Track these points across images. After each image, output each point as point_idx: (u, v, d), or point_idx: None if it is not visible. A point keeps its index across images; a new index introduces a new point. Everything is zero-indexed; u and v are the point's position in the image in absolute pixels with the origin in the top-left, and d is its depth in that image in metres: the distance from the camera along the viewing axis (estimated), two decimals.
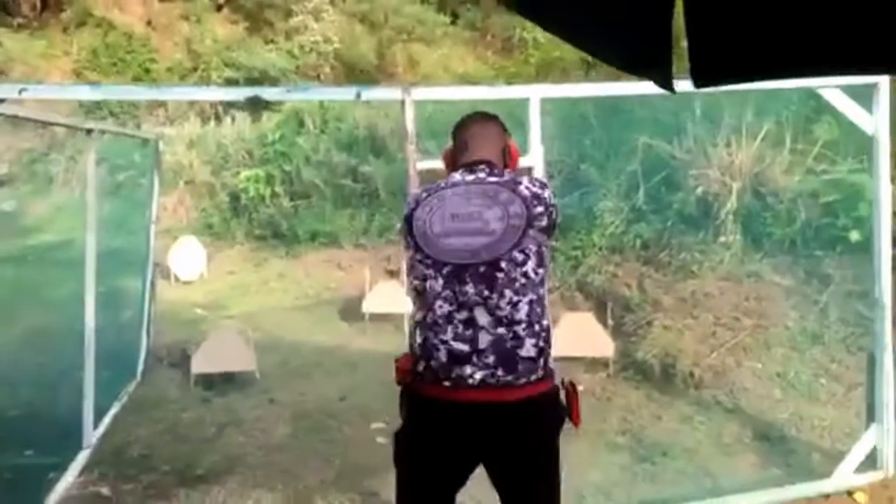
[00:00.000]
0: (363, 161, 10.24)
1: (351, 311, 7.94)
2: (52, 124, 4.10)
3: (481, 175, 2.36)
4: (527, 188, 2.29)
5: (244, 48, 26.03)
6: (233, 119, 14.33)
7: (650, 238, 6.89)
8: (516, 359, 2.17)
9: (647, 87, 1.51)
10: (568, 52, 11.74)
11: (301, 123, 11.56)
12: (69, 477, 4.18)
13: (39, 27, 22.87)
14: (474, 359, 2.16)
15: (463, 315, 2.19)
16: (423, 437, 2.29)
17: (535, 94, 3.32)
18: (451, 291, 2.21)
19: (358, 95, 3.10)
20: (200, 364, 5.84)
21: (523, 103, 3.40)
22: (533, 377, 2.19)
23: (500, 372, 2.16)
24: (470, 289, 2.19)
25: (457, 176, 2.39)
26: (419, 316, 2.29)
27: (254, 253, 10.84)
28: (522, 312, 2.19)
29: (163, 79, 24.05)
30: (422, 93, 3.21)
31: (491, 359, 2.16)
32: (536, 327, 2.21)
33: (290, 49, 25.39)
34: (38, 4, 22.00)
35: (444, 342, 2.19)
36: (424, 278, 2.26)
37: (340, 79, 22.92)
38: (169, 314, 7.54)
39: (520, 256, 2.21)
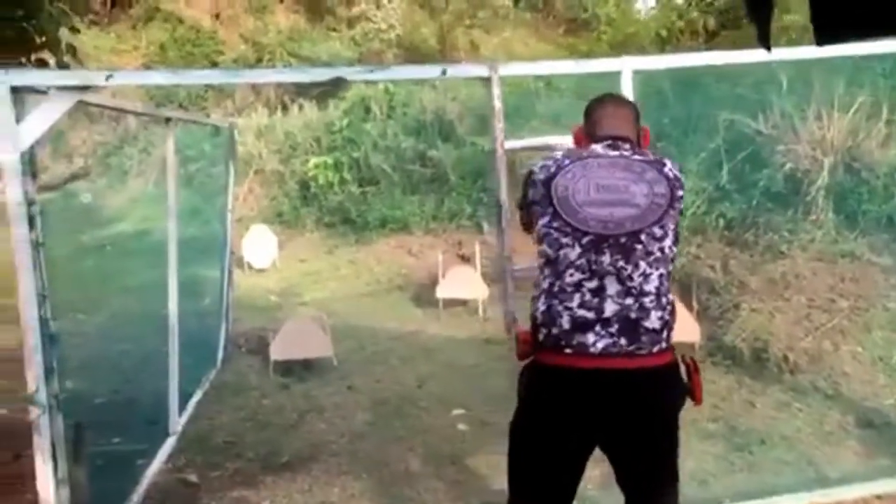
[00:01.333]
0: (431, 145, 10.15)
1: (423, 297, 7.88)
2: (135, 113, 4.11)
3: (625, 152, 2.38)
4: (670, 170, 2.35)
5: (307, 38, 26.23)
6: (300, 108, 14.41)
7: (734, 218, 6.61)
8: (640, 329, 2.17)
9: (741, 56, 1.36)
10: (643, 28, 11.43)
11: (367, 110, 11.53)
12: (157, 463, 4.20)
13: (109, 23, 23.37)
14: (598, 327, 2.17)
15: (593, 284, 2.20)
16: (543, 409, 2.26)
17: (627, 66, 3.15)
18: (585, 260, 2.21)
19: (443, 73, 3.00)
20: (279, 351, 5.84)
21: (607, 78, 3.24)
22: (655, 349, 2.19)
23: (622, 341, 2.16)
24: (606, 258, 2.20)
25: (598, 148, 2.40)
26: (546, 284, 2.28)
27: (324, 240, 10.87)
28: (652, 285, 2.21)
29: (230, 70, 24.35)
30: (509, 69, 3.08)
31: (615, 328, 2.16)
32: (663, 300, 2.22)
33: (353, 37, 25.46)
34: (109, 1, 22.47)
35: (569, 309, 2.20)
36: (560, 246, 2.26)
37: (402, 64, 22.86)
38: (244, 302, 7.58)
39: (659, 232, 2.24)
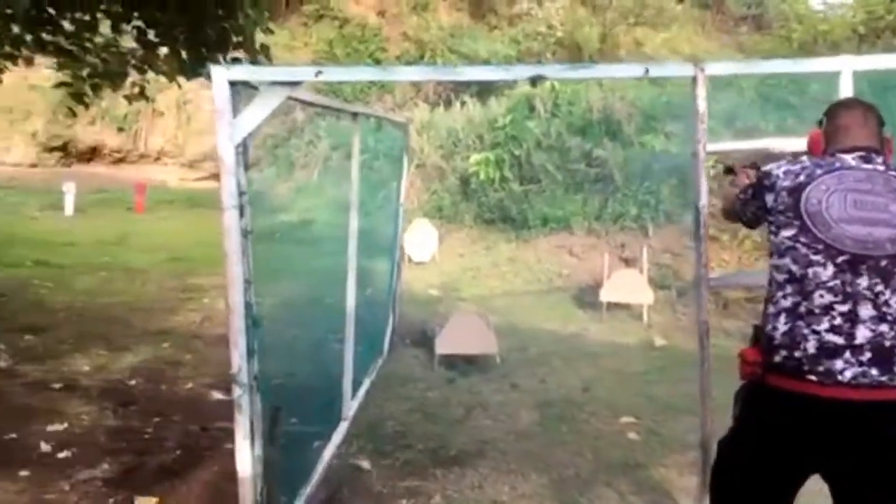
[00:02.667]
0: (597, 145, 9.97)
1: (585, 298, 7.77)
2: (331, 108, 4.25)
3: (879, 166, 2.21)
4: None
5: (468, 35, 26.52)
6: (462, 104, 14.56)
7: None
8: (894, 359, 1.99)
9: None
10: (837, 25, 10.72)
11: (531, 107, 11.49)
12: (332, 447, 4.34)
13: (284, 21, 24.54)
14: (847, 354, 2.01)
15: (845, 308, 2.04)
16: (770, 434, 2.11)
17: (848, 66, 2.93)
18: (840, 282, 2.06)
19: (646, 72, 2.90)
20: (444, 345, 5.91)
21: (792, 78, 3.03)
22: None
23: (873, 371, 1.99)
24: (863, 281, 2.05)
25: (849, 160, 2.22)
26: (788, 302, 2.12)
27: (482, 236, 10.94)
28: None
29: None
30: (716, 68, 2.93)
31: (866, 356, 2.00)
32: None
33: (514, 35, 25.51)
34: (285, 1, 23.57)
35: (816, 333, 2.04)
36: (808, 264, 2.10)
37: (562, 63, 22.62)
38: (404, 294, 7.74)
39: None
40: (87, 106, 7.93)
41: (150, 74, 7.61)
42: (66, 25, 6.27)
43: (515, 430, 4.67)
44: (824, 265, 2.07)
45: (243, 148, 2.93)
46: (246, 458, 2.94)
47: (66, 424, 4.62)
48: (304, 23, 24.90)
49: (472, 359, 6.08)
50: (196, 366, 6.09)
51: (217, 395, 5.35)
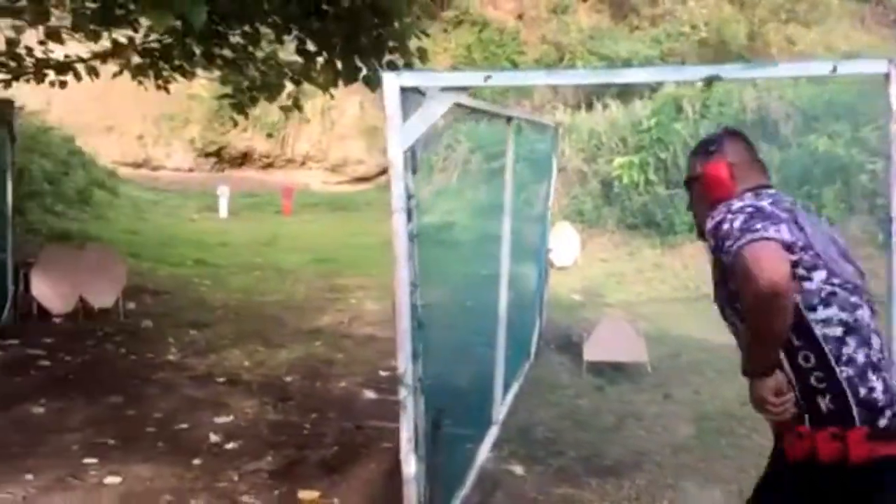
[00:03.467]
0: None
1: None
2: (486, 112, 4.26)
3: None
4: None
5: (608, 36, 26.09)
6: (604, 106, 14.30)
7: None
8: None
9: None
10: None
11: (679, 109, 11.13)
12: (484, 451, 4.34)
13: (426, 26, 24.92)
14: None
15: (879, 343, 1.90)
16: None
17: None
18: (875, 322, 1.89)
19: (834, 70, 2.72)
20: (593, 352, 5.81)
21: None
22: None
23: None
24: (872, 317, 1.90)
25: (786, 201, 1.97)
26: (860, 356, 1.84)
27: (626, 241, 10.71)
28: None
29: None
30: None
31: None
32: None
33: (656, 35, 24.87)
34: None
35: (884, 378, 1.84)
36: (854, 307, 1.88)
37: (706, 63, 21.85)
38: (549, 299, 7.67)
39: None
40: (246, 116, 8.35)
41: (304, 85, 7.93)
42: (233, 39, 6.60)
43: (672, 443, 4.52)
44: (863, 306, 1.89)
45: (412, 153, 2.98)
46: (410, 459, 2.97)
47: (231, 417, 4.86)
48: (444, 28, 25.25)
49: (620, 366, 5.94)
50: (347, 364, 6.26)
51: (369, 395, 5.49)
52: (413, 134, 2.91)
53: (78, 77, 7.75)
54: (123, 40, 7.52)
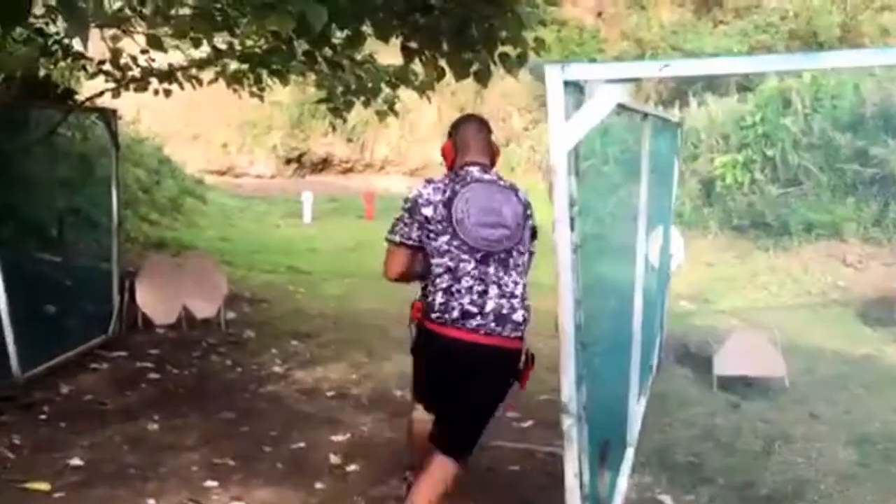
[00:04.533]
0: (874, 142, 8.89)
1: (873, 314, 6.88)
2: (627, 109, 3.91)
3: (493, 176, 3.13)
4: (523, 197, 3.14)
5: (692, 31, 25.30)
6: (699, 102, 13.74)
7: None
8: (508, 321, 3.01)
9: None
10: None
11: (787, 103, 10.51)
12: (624, 476, 4.00)
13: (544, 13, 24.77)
14: (479, 318, 2.98)
15: (480, 288, 3.00)
16: (429, 358, 3.19)
17: None
18: (477, 271, 2.99)
19: None
20: (725, 366, 5.40)
21: None
22: (513, 335, 3.04)
23: (493, 325, 2.99)
24: (491, 269, 3.01)
25: (475, 173, 3.09)
26: (444, 285, 3.01)
27: (731, 244, 10.17)
28: (518, 290, 3.05)
29: None
30: None
31: (490, 317, 2.99)
32: (525, 303, 3.08)
33: (743, 28, 24.01)
34: None
35: (461, 304, 2.99)
36: (459, 260, 3.00)
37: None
38: None
39: (521, 248, 3.08)
40: (344, 120, 8.17)
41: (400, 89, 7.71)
42: (335, 40, 6.40)
43: (833, 470, 4.08)
44: (469, 260, 2.99)
45: (574, 154, 2.67)
46: (575, 496, 2.67)
47: (348, 435, 4.63)
48: None
49: (753, 381, 5.51)
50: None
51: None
52: (578, 133, 2.60)
53: (181, 86, 7.71)
54: (222, 46, 7.44)
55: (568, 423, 2.67)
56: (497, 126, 26.02)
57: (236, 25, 6.38)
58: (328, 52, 6.58)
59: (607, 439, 2.96)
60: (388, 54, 6.91)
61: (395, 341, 7.08)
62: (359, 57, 7.34)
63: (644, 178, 4.45)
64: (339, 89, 7.87)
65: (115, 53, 7.27)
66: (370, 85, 7.85)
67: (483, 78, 6.33)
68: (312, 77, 7.98)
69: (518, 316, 3.02)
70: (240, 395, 5.31)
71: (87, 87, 7.91)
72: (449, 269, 2.98)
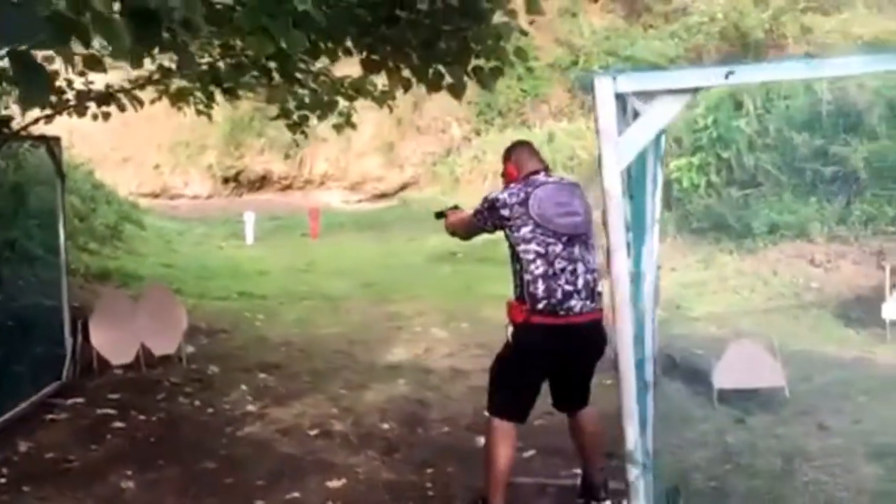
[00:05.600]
0: (832, 140, 8.91)
1: (851, 314, 6.83)
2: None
3: (556, 178, 3.73)
4: (580, 192, 3.64)
5: (624, 36, 25.60)
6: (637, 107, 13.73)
7: None
8: (595, 294, 3.52)
9: None
10: None
11: (738, 105, 10.53)
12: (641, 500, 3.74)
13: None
14: (576, 296, 3.44)
15: (571, 267, 3.44)
16: (535, 350, 3.51)
17: None
18: (566, 252, 3.43)
19: None
20: (725, 379, 5.23)
21: None
22: (600, 306, 3.51)
23: (588, 302, 3.48)
24: (576, 250, 3.48)
25: (541, 177, 3.61)
26: (540, 271, 3.41)
27: (691, 247, 10.10)
28: (596, 266, 3.52)
29: (544, 75, 24.56)
30: None
31: (584, 293, 3.46)
32: (599, 274, 3.47)
33: (674, 31, 24.39)
34: None
35: (560, 287, 3.41)
36: (547, 245, 3.42)
37: (726, 58, 21.41)
38: None
39: (593, 230, 3.53)
40: (305, 135, 7.80)
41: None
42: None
43: (864, 489, 3.91)
44: (556, 244, 3.43)
45: (627, 174, 2.42)
46: None
47: (344, 480, 4.28)
48: None
49: (751, 394, 5.35)
50: (443, 406, 5.69)
51: (481, 441, 4.90)
52: (631, 150, 2.34)
53: (122, 108, 7.22)
54: (170, 64, 6.99)
55: (634, 473, 2.42)
56: (436, 137, 25.84)
57: (185, 43, 5.96)
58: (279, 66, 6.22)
59: (677, 487, 2.69)
60: (344, 65, 6.60)
61: (369, 368, 6.76)
62: (314, 69, 7.01)
63: (650, 188, 4.23)
64: (293, 104, 7.51)
65: (51, 77, 6.77)
66: (326, 98, 7.52)
67: (457, 91, 6.06)
68: (260, 92, 7.63)
69: (600, 287, 3.49)
70: (216, 441, 4.90)
71: (19, 113, 7.37)
72: (539, 255, 3.40)
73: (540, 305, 3.38)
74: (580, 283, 3.42)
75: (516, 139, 4.05)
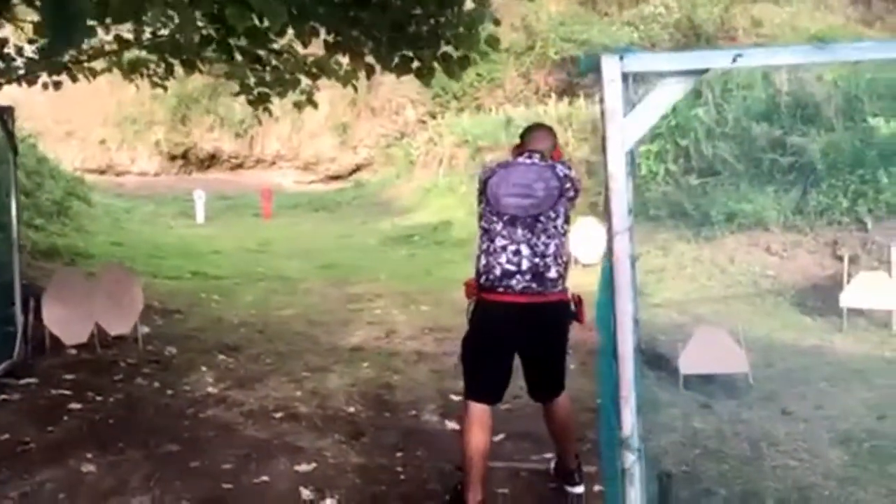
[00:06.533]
0: (790, 131, 9.06)
1: (808, 303, 6.96)
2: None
3: (534, 160, 3.53)
4: (560, 170, 3.47)
5: (580, 22, 25.72)
6: (587, 95, 13.84)
7: None
8: (546, 279, 3.39)
9: None
10: None
11: (698, 94, 10.63)
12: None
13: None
14: (518, 276, 3.39)
15: (513, 248, 3.41)
16: (484, 327, 3.55)
17: None
18: (506, 231, 3.43)
19: None
20: (690, 364, 5.27)
21: None
22: (553, 290, 3.42)
23: (533, 285, 3.39)
24: (519, 231, 3.42)
25: (520, 158, 3.58)
26: (484, 247, 3.50)
27: (650, 234, 10.16)
28: (550, 251, 3.40)
29: (500, 59, 24.49)
30: None
31: (528, 276, 3.38)
32: (559, 260, 3.42)
33: (629, 19, 24.63)
34: None
35: (500, 264, 3.42)
36: (491, 222, 3.48)
37: (679, 47, 21.70)
38: (586, 301, 7.14)
39: (553, 214, 3.42)
40: (270, 112, 7.63)
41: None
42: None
43: (832, 474, 3.97)
44: (498, 223, 3.45)
45: (631, 157, 2.38)
46: None
47: (313, 464, 4.19)
48: None
49: (713, 378, 5.42)
50: (409, 389, 5.63)
51: (452, 426, 4.86)
52: (636, 132, 2.31)
53: (73, 78, 6.97)
54: (127, 35, 6.76)
55: (630, 459, 2.40)
56: (391, 119, 25.56)
57: (143, 12, 5.75)
58: (245, 41, 6.05)
59: (669, 473, 2.68)
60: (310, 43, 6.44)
61: (331, 351, 6.66)
62: (276, 47, 6.84)
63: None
64: (252, 80, 7.34)
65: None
66: (288, 76, 7.36)
67: (426, 76, 5.98)
68: (217, 67, 7.43)
69: (552, 273, 3.39)
70: (179, 423, 4.75)
71: None
72: (484, 230, 3.50)
73: (482, 279, 3.45)
74: (525, 265, 3.36)
75: (534, 122, 4.18)
